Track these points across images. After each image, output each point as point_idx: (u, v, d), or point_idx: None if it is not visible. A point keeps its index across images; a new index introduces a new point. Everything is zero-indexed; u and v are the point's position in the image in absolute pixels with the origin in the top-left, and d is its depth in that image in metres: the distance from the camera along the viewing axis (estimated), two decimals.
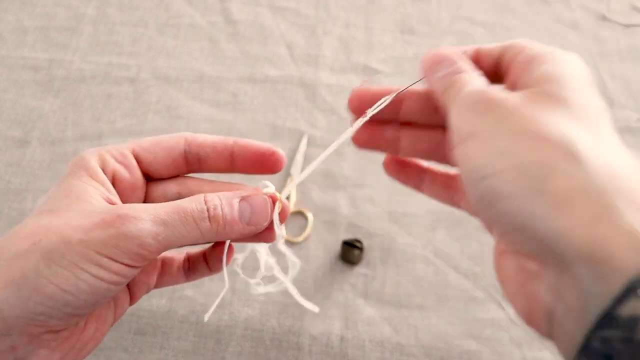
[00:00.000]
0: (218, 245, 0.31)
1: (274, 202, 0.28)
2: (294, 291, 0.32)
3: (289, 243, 0.49)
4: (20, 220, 0.26)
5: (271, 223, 0.28)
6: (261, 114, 0.57)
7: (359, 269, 0.48)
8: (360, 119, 0.31)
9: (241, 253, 0.34)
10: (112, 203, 0.27)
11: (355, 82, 0.60)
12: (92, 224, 0.24)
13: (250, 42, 0.63)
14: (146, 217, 0.24)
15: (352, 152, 0.55)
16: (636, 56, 0.64)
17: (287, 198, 0.51)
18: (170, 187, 0.30)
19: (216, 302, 0.30)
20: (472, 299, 0.47)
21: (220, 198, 0.26)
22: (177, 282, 0.32)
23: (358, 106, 0.31)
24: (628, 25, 0.66)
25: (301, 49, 0.63)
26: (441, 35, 0.65)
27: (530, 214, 0.21)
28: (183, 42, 0.63)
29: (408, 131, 0.33)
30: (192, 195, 0.27)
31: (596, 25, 0.66)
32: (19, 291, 0.23)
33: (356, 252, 0.46)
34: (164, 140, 0.30)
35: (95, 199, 0.26)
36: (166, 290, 0.46)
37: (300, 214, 0.50)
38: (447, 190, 0.34)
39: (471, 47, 0.29)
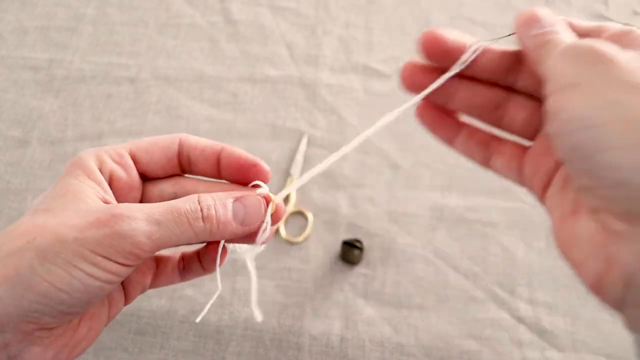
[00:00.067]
0: (211, 245, 0.31)
1: (267, 203, 0.29)
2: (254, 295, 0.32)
3: (289, 243, 0.49)
4: None
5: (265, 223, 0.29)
6: (261, 114, 0.57)
7: (359, 269, 0.48)
8: (447, 74, 0.29)
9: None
10: (107, 203, 0.27)
11: (355, 82, 0.60)
12: (87, 223, 0.24)
13: (250, 42, 0.63)
14: (140, 217, 0.24)
15: (352, 152, 0.55)
16: None
17: (287, 198, 0.51)
18: (167, 187, 0.31)
19: (208, 305, 0.30)
20: (472, 299, 0.47)
21: (214, 198, 0.27)
22: (172, 282, 0.32)
23: (430, 50, 0.30)
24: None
25: (301, 49, 0.63)
26: None
27: (637, 168, 0.21)
28: (183, 42, 0.63)
29: (469, 83, 0.31)
30: (188, 195, 0.28)
31: None
32: (13, 289, 0.23)
33: (356, 252, 0.46)
34: (160, 140, 0.30)
35: (91, 198, 0.26)
36: (166, 290, 0.46)
37: (300, 214, 0.50)
38: (484, 149, 0.33)
39: (564, 17, 0.28)
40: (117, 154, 0.29)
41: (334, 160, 0.31)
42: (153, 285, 0.32)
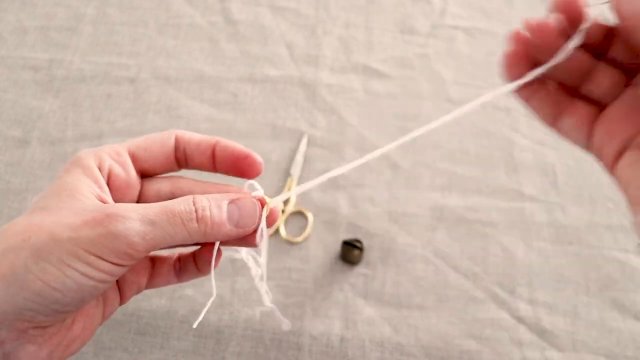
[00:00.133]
0: (206, 247, 0.31)
1: (262, 205, 0.29)
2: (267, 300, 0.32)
3: (289, 243, 0.49)
4: None
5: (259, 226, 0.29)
6: (261, 114, 0.57)
7: (359, 269, 0.48)
8: (572, 42, 0.28)
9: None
10: (104, 201, 0.27)
11: (355, 82, 0.60)
12: (82, 222, 0.24)
13: (250, 42, 0.63)
14: (134, 217, 0.24)
15: (352, 152, 0.55)
16: None
17: (287, 198, 0.51)
18: (164, 186, 0.31)
19: (204, 310, 0.30)
20: (472, 299, 0.47)
21: (209, 200, 0.27)
22: (168, 283, 0.32)
23: (565, 6, 0.28)
24: None
25: (301, 49, 0.63)
26: (442, 35, 0.65)
27: None
28: (183, 42, 0.63)
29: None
30: (184, 195, 0.28)
31: None
32: (8, 287, 0.23)
33: (356, 252, 0.46)
34: (157, 137, 0.31)
35: (87, 197, 0.26)
36: (166, 290, 0.46)
37: (300, 214, 0.50)
38: (555, 105, 0.31)
39: None
40: (115, 152, 0.29)
41: (375, 156, 0.30)
42: (149, 285, 0.32)
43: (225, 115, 0.57)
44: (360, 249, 0.47)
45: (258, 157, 0.30)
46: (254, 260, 0.32)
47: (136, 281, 0.31)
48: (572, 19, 0.28)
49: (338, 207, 0.51)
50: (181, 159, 0.31)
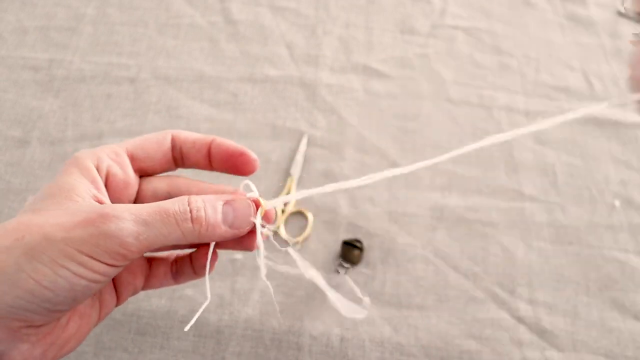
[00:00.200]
0: (202, 249, 0.31)
1: (257, 207, 0.29)
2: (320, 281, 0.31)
3: (288, 243, 0.49)
4: None
5: (254, 228, 0.29)
6: (261, 114, 0.57)
7: (359, 269, 0.48)
8: None
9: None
10: (100, 202, 0.27)
11: (355, 82, 0.60)
12: (75, 222, 0.24)
13: (250, 42, 0.63)
14: (128, 217, 0.24)
15: (352, 152, 0.55)
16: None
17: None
18: (161, 185, 0.31)
19: (197, 315, 0.30)
20: (472, 299, 0.47)
21: (204, 200, 0.27)
22: (165, 285, 0.32)
23: None
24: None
25: (301, 49, 0.63)
26: (442, 35, 0.65)
27: None
28: (183, 42, 0.63)
29: None
30: (181, 194, 0.28)
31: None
32: (0, 286, 0.23)
33: (356, 252, 0.46)
34: (153, 136, 0.31)
35: (83, 197, 0.26)
36: (166, 290, 0.46)
37: (300, 214, 0.50)
38: None
39: None
40: (113, 152, 0.29)
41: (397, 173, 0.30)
42: (146, 287, 0.32)
43: (225, 115, 0.57)
44: (360, 249, 0.47)
45: (253, 155, 0.31)
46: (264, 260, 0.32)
47: (132, 282, 0.31)
48: None
49: (338, 207, 0.51)
50: (178, 158, 0.31)
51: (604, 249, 0.50)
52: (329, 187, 0.31)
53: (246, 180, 0.30)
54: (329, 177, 0.53)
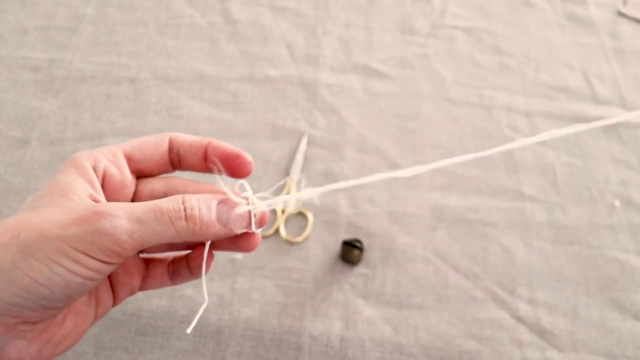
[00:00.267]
0: (198, 250, 0.31)
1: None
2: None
3: (289, 243, 0.49)
4: None
5: (249, 227, 0.29)
6: (261, 114, 0.57)
7: (359, 269, 0.48)
8: None
9: None
10: (96, 200, 0.28)
11: (355, 82, 0.60)
12: (70, 220, 0.24)
13: (250, 42, 0.63)
14: (122, 215, 0.25)
15: (352, 152, 0.55)
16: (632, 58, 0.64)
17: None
18: (158, 186, 0.32)
19: (197, 317, 0.30)
20: (472, 299, 0.47)
21: (199, 199, 0.27)
22: (162, 286, 0.33)
23: None
24: None
25: (301, 49, 0.63)
26: (442, 35, 0.65)
27: None
28: (183, 42, 0.63)
29: None
30: (178, 194, 0.28)
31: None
32: None
33: (356, 252, 0.46)
34: (151, 138, 0.31)
35: (79, 195, 0.27)
36: (166, 290, 0.46)
37: (300, 214, 0.50)
38: None
39: None
40: (111, 153, 0.30)
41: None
42: (143, 287, 0.32)
43: (225, 115, 0.57)
44: (360, 249, 0.47)
45: (248, 157, 0.31)
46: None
47: (129, 282, 0.31)
48: None
49: (338, 207, 0.51)
50: (175, 160, 0.32)
51: (604, 249, 0.50)
52: (329, 187, 0.31)
53: (241, 180, 0.30)
54: (329, 177, 0.53)
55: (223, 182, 0.30)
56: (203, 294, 0.46)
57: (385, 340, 0.44)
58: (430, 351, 0.44)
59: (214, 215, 0.27)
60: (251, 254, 0.47)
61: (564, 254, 0.49)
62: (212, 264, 0.32)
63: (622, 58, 0.64)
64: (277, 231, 0.49)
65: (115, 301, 0.31)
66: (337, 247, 0.48)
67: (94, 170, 0.29)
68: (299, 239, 0.49)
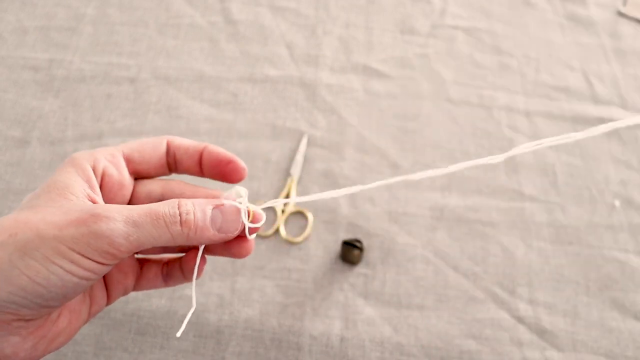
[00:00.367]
0: (191, 254, 0.32)
1: (248, 212, 0.29)
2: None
3: (289, 243, 0.49)
4: None
5: (243, 232, 0.29)
6: (261, 114, 0.57)
7: (359, 269, 0.48)
8: None
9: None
10: (94, 201, 0.28)
11: (355, 82, 0.60)
12: (67, 221, 0.25)
13: (250, 42, 0.63)
14: (118, 218, 0.25)
15: (352, 152, 0.55)
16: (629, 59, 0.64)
17: (287, 197, 0.51)
18: (155, 188, 0.32)
19: (186, 319, 0.30)
20: (472, 299, 0.47)
21: (194, 204, 0.28)
22: (155, 287, 0.33)
23: None
24: None
25: (301, 49, 0.63)
26: (442, 35, 0.65)
27: None
28: (183, 42, 0.63)
29: None
30: (175, 196, 0.29)
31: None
32: None
33: (356, 252, 0.46)
34: (150, 140, 0.32)
35: (77, 195, 0.27)
36: (166, 290, 0.46)
37: (300, 214, 0.50)
38: None
39: None
40: (110, 154, 0.30)
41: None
42: (136, 287, 0.33)
43: (225, 115, 0.57)
44: (360, 249, 0.47)
45: (241, 163, 0.32)
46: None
47: (123, 282, 0.31)
48: None
49: (338, 207, 0.51)
50: (172, 163, 0.32)
51: (604, 249, 0.50)
52: (327, 194, 0.31)
53: (237, 186, 0.31)
54: (329, 177, 0.53)
55: (221, 188, 0.30)
56: (204, 294, 0.46)
57: (385, 340, 0.44)
58: (430, 351, 0.44)
59: (208, 220, 0.28)
60: (251, 254, 0.47)
61: (564, 254, 0.49)
62: (204, 268, 0.32)
63: (622, 58, 0.64)
64: (277, 231, 0.49)
65: (109, 300, 0.31)
66: (337, 247, 0.48)
67: (93, 170, 0.29)
68: (299, 239, 0.49)
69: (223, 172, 0.32)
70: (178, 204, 0.27)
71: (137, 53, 0.61)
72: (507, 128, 0.57)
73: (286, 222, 0.50)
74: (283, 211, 0.50)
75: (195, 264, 0.30)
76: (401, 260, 0.48)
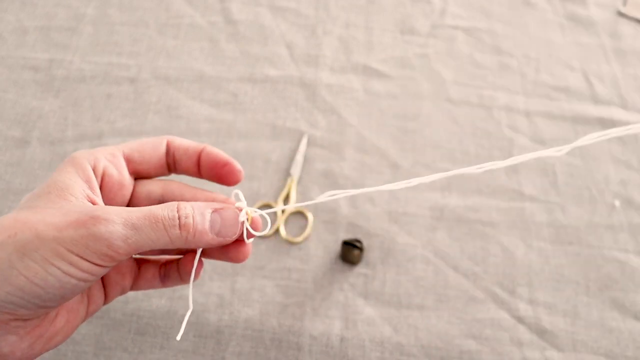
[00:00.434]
0: (189, 256, 0.32)
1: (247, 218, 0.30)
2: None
3: (289, 243, 0.49)
4: None
5: (241, 236, 0.30)
6: (261, 114, 0.57)
7: (359, 269, 0.48)
8: None
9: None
10: (93, 202, 0.28)
11: (355, 82, 0.60)
12: (66, 222, 0.25)
13: (250, 42, 0.63)
14: (117, 221, 0.25)
15: (352, 152, 0.55)
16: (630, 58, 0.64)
17: (287, 197, 0.51)
18: (155, 188, 0.32)
19: (184, 322, 0.30)
20: (472, 299, 0.47)
21: (193, 207, 0.28)
22: (152, 287, 0.33)
23: None
24: None
25: (301, 49, 0.63)
26: (442, 35, 0.65)
27: None
28: (183, 42, 0.63)
29: None
30: (174, 198, 0.29)
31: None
32: None
33: (356, 252, 0.46)
34: (150, 141, 0.32)
35: (76, 196, 0.27)
36: (166, 290, 0.46)
37: (300, 214, 0.50)
38: None
39: None
40: (110, 154, 0.30)
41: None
42: (134, 288, 0.33)
43: (225, 115, 0.57)
44: (360, 249, 0.47)
45: (237, 166, 0.32)
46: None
47: (121, 282, 0.32)
48: None
49: (338, 207, 0.51)
50: (171, 163, 0.32)
51: (604, 249, 0.50)
52: (323, 197, 0.31)
53: (236, 190, 0.31)
54: (329, 177, 0.53)
55: (220, 191, 0.30)
56: (204, 295, 0.46)
57: (385, 340, 0.44)
58: (430, 351, 0.44)
59: (207, 224, 0.28)
60: (251, 254, 0.47)
61: (564, 254, 0.49)
62: (202, 271, 0.32)
63: (622, 58, 0.64)
64: (277, 231, 0.49)
65: (107, 299, 0.31)
66: (337, 247, 0.48)
67: (94, 169, 0.29)
68: (299, 239, 0.49)
69: (219, 174, 0.32)
70: (177, 207, 0.27)
71: (137, 53, 0.61)
72: (507, 128, 0.57)
73: (286, 222, 0.50)
74: (283, 211, 0.50)
75: (192, 267, 0.30)
76: (401, 260, 0.48)
